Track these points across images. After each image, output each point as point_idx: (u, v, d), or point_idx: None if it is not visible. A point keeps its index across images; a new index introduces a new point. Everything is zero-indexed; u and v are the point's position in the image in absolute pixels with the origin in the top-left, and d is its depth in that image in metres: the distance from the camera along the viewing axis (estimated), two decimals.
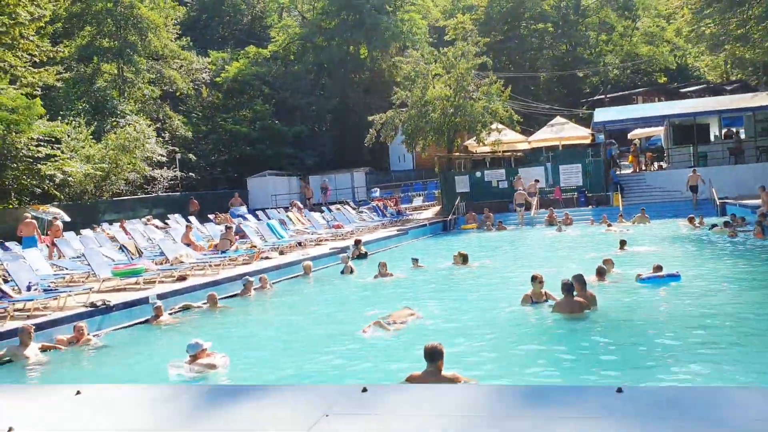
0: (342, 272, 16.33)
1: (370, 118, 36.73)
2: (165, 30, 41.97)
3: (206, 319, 11.93)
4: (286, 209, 34.25)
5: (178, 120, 42.12)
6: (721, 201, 27.55)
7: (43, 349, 9.29)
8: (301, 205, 35.90)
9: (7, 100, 25.68)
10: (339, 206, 32.07)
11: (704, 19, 37.35)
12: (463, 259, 16.35)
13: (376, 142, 55.68)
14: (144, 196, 36.35)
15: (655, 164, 37.98)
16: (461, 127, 34.37)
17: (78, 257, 19.47)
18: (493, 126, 34.33)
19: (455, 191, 34.18)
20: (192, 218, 31.72)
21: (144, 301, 11.89)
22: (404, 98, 35.70)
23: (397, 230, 26.08)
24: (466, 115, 33.01)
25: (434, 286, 14.39)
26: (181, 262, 15.77)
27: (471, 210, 31.47)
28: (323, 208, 33.11)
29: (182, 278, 14.97)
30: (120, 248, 16.72)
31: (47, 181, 27.41)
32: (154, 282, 14.29)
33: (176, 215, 34.03)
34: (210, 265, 16.13)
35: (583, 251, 20.64)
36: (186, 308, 12.29)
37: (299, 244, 21.31)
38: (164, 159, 36.89)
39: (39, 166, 26.71)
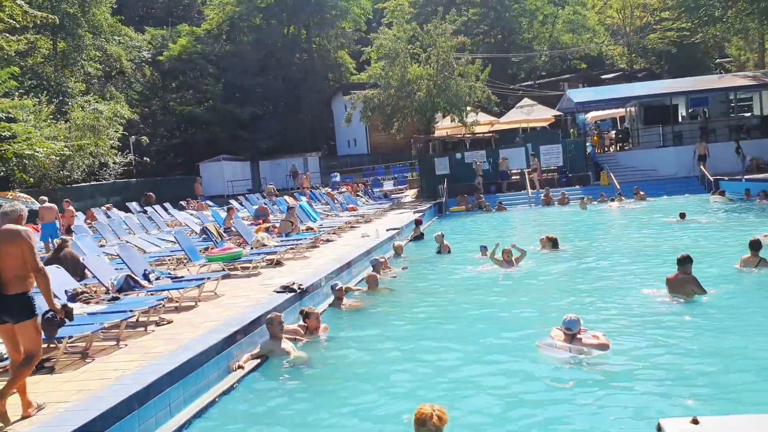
0: (439, 252, 15.06)
1: (346, 98, 35.11)
2: (104, 3, 38.33)
3: (386, 301, 10.42)
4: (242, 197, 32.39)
5: (123, 101, 38.67)
6: (715, 177, 28.31)
7: None
8: (274, 188, 33.86)
9: None
10: (327, 190, 30.46)
11: None
12: (553, 243, 14.83)
13: (318, 127, 54.21)
14: (101, 182, 33.04)
15: (615, 146, 38.92)
16: (441, 107, 33.51)
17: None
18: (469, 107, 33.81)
19: (434, 174, 33.35)
20: (155, 208, 28.94)
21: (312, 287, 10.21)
22: (377, 78, 34.35)
23: (413, 213, 24.92)
24: (451, 95, 32.20)
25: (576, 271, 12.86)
26: (264, 245, 14.00)
27: (463, 193, 30.70)
28: (296, 194, 31.34)
29: (279, 263, 13.29)
30: (202, 231, 14.66)
31: (11, 164, 24.05)
32: (255, 267, 12.54)
33: (134, 203, 31.41)
34: (292, 249, 14.43)
35: (637, 227, 20.03)
36: (346, 291, 10.73)
37: (344, 225, 19.79)
38: (117, 143, 33.66)
39: (5, 146, 23.36)
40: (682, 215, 18.74)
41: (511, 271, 12.07)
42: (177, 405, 5.62)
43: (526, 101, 39.86)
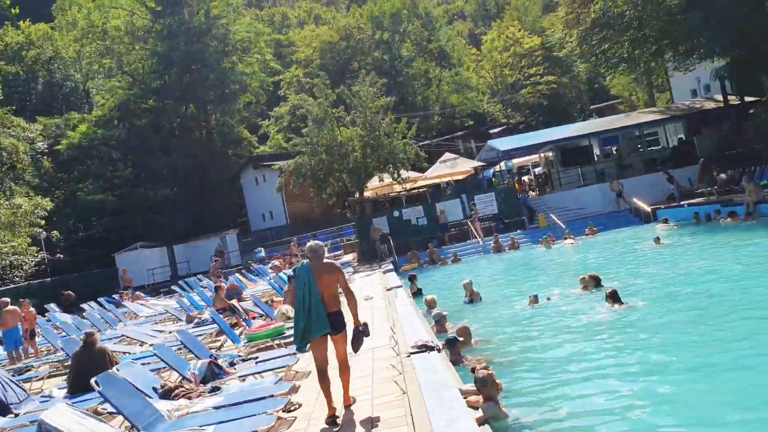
0: (471, 301, 14.23)
1: (275, 167, 33.92)
2: None
3: (506, 353, 9.33)
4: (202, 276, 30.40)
5: (23, 195, 35.39)
6: (652, 207, 29.47)
7: None
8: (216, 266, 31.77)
9: None
10: (275, 263, 28.96)
11: None
12: (596, 281, 14.37)
13: (227, 204, 52.27)
14: (12, 285, 29.65)
15: (535, 190, 40.10)
16: (374, 167, 33.07)
17: None
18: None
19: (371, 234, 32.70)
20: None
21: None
22: (301, 144, 33.56)
23: (383, 273, 24.03)
24: (386, 153, 31.96)
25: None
26: (290, 317, 12.66)
27: (413, 248, 30.17)
28: (243, 271, 29.75)
29: None
30: (230, 309, 12.96)
31: None
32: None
33: (52, 305, 28.75)
34: None
35: (622, 256, 20.27)
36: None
37: None
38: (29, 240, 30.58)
39: None
40: (657, 240, 19.58)
41: (619, 310, 11.31)
42: None
43: (447, 155, 40.43)
